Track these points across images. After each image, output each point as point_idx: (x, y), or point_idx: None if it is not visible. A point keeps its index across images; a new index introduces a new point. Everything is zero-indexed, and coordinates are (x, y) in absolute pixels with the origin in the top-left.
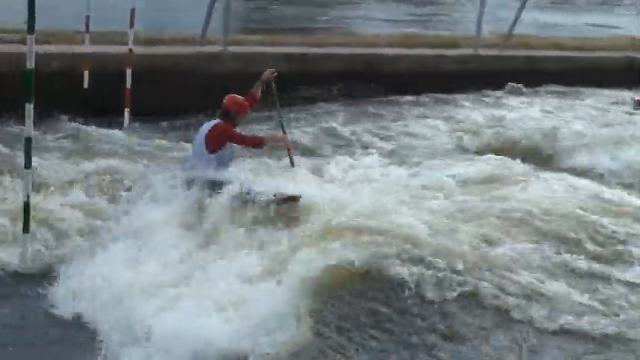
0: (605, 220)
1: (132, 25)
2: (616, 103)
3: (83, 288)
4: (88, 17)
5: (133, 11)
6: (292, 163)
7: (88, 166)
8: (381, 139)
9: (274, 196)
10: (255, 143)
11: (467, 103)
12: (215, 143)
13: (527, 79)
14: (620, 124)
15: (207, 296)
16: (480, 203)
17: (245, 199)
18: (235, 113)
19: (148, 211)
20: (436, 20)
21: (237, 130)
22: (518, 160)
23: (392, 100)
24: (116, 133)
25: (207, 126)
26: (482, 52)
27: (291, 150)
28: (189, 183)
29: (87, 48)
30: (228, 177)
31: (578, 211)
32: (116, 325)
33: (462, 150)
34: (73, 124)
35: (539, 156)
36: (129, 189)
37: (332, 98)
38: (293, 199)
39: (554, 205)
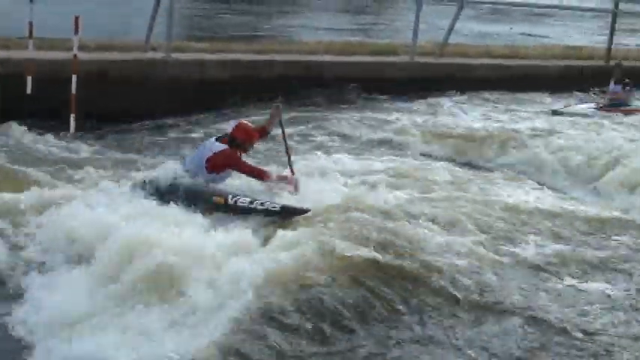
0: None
1: (76, 31)
2: (540, 110)
3: None
4: (31, 23)
5: (77, 18)
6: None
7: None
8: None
9: (281, 208)
10: (259, 176)
11: (404, 105)
12: (216, 167)
13: (462, 85)
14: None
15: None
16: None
17: (247, 209)
18: (242, 141)
19: None
20: (377, 29)
21: (245, 158)
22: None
23: (333, 105)
24: (52, 139)
25: (212, 147)
26: (419, 59)
27: (297, 189)
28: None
29: (30, 53)
30: (225, 189)
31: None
32: None
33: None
34: (16, 129)
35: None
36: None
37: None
38: (302, 212)
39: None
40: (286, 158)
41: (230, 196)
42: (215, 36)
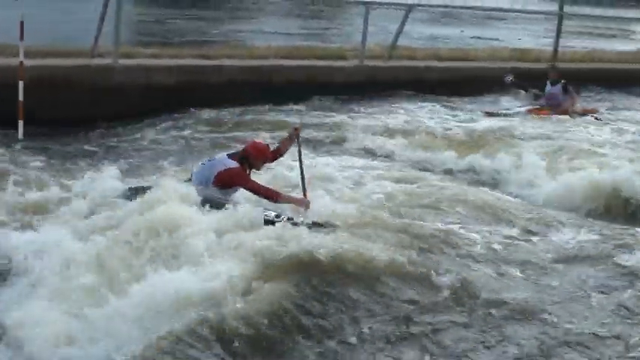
0: None
1: (22, 37)
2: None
3: None
4: None
5: (21, 24)
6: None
7: None
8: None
9: (312, 223)
10: (269, 197)
11: (354, 108)
12: (224, 183)
13: (410, 88)
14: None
15: None
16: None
17: (273, 221)
18: (254, 159)
19: None
20: (330, 34)
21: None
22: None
23: (283, 109)
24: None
25: (222, 162)
26: (368, 63)
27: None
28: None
29: None
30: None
31: None
32: None
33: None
34: None
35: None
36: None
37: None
38: (331, 226)
39: None
40: (300, 180)
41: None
42: (165, 42)
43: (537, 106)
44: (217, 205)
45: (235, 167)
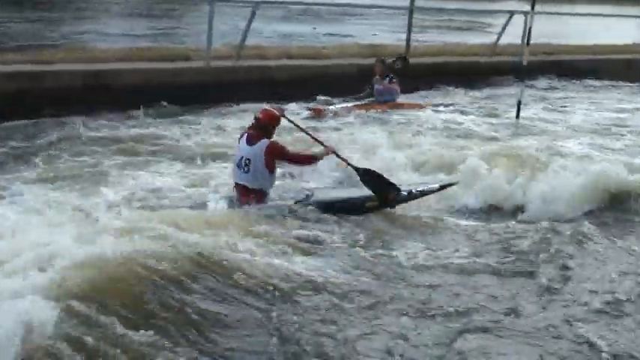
0: None
1: None
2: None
3: None
4: None
5: None
6: (348, 164)
7: None
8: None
9: (440, 187)
10: (310, 162)
11: (200, 112)
12: (271, 165)
13: (260, 88)
14: None
15: None
16: None
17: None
18: (272, 126)
19: None
20: (178, 33)
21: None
22: None
23: (127, 114)
24: None
25: (261, 146)
26: (215, 64)
27: (340, 156)
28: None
29: None
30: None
31: None
32: None
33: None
34: None
35: None
36: None
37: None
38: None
39: None
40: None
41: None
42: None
43: (365, 102)
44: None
45: (272, 142)
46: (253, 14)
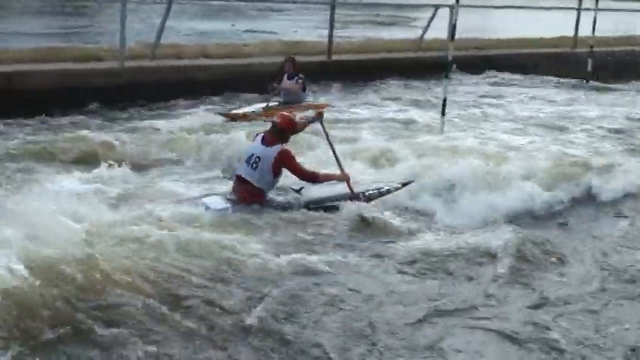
0: None
1: None
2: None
3: None
4: None
5: None
6: (352, 192)
7: None
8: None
9: (402, 185)
10: (313, 179)
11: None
12: (278, 170)
13: (176, 89)
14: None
15: None
16: None
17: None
18: (289, 132)
19: None
20: (92, 32)
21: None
22: None
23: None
24: None
25: (274, 149)
26: (130, 64)
27: (351, 185)
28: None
29: None
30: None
31: None
32: None
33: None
34: None
35: None
36: None
37: None
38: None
39: None
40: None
41: (360, 193)
42: None
43: (275, 104)
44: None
45: (284, 150)
46: (168, 11)
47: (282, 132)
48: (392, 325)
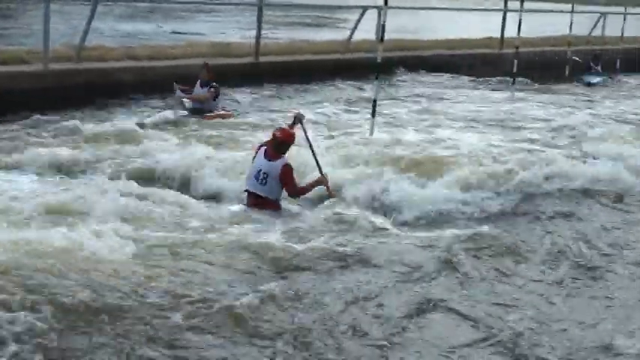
0: None
1: None
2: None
3: None
4: None
5: None
6: (331, 194)
7: None
8: None
9: None
10: (299, 194)
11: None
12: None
13: (101, 93)
14: None
15: None
16: None
17: None
18: (290, 143)
19: None
20: (14, 34)
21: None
22: None
23: None
24: None
25: (280, 163)
26: (55, 66)
27: (329, 187)
28: None
29: None
30: None
31: None
32: None
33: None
34: None
35: None
36: None
37: None
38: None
39: None
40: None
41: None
42: None
43: (185, 112)
44: None
45: (287, 165)
46: (93, 12)
47: (282, 145)
48: (335, 326)
